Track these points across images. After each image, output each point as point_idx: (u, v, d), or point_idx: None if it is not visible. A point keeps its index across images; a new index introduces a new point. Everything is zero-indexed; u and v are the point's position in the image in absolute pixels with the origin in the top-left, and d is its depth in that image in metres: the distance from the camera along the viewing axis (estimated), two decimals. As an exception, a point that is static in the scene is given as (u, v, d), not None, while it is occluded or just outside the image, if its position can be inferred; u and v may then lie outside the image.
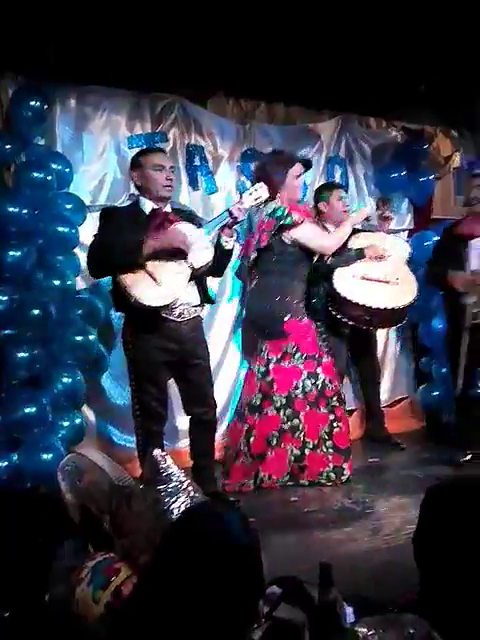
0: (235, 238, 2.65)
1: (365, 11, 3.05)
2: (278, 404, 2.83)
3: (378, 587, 1.77)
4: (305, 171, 2.98)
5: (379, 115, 3.93)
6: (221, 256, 2.57)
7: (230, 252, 2.63)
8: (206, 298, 2.60)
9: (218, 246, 2.55)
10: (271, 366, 2.87)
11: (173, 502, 1.35)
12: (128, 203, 2.72)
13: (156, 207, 2.47)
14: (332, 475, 2.86)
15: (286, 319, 2.86)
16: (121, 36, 2.86)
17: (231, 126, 3.42)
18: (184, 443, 2.98)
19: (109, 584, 1.29)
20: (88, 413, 3.05)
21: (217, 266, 2.58)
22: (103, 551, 1.45)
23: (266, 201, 2.69)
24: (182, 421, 2.95)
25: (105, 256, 2.33)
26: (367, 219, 3.24)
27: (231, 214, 2.49)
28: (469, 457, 3.11)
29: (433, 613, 1.18)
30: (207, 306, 2.74)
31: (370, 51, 3.33)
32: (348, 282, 3.06)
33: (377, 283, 3.08)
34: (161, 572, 0.80)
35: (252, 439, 2.84)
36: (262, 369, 2.89)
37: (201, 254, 2.43)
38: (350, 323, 3.10)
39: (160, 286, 2.32)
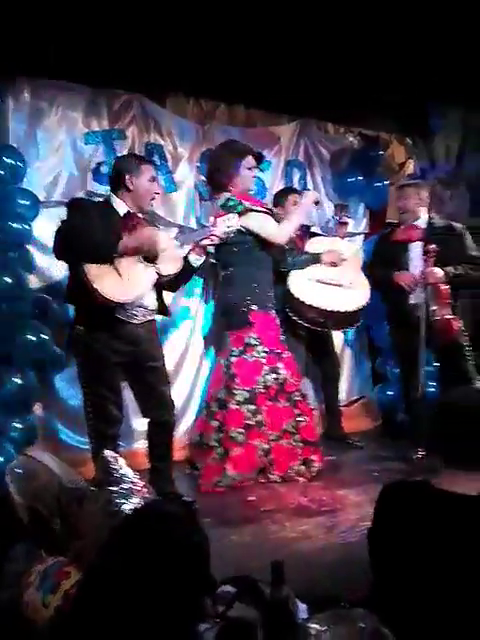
0: (203, 259, 2.67)
1: (324, 18, 3.11)
2: (240, 398, 2.84)
3: (333, 583, 1.79)
4: (258, 164, 3.01)
5: (337, 121, 4.00)
6: (185, 272, 2.59)
7: (194, 271, 2.67)
8: (161, 310, 2.58)
9: (185, 261, 2.57)
10: (233, 359, 2.88)
11: (126, 504, 1.33)
12: (99, 200, 2.68)
13: (130, 210, 2.46)
14: (302, 468, 2.89)
15: (254, 309, 2.89)
16: (77, 30, 2.81)
17: (191, 126, 3.41)
18: (140, 444, 2.94)
19: (59, 588, 1.25)
20: (41, 414, 2.97)
21: (176, 281, 2.60)
22: (53, 554, 1.41)
23: (221, 196, 2.73)
24: (138, 422, 2.92)
25: (79, 244, 2.26)
26: (316, 202, 3.28)
27: (209, 235, 2.54)
28: (422, 454, 3.20)
29: (384, 608, 1.20)
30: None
31: (328, 57, 3.39)
32: (303, 285, 3.16)
33: (331, 286, 3.19)
34: (105, 570, 0.78)
35: (222, 435, 2.84)
36: (226, 362, 2.91)
37: (169, 264, 2.45)
38: (305, 325, 3.17)
39: (125, 283, 2.30)
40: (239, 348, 2.88)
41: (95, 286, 2.23)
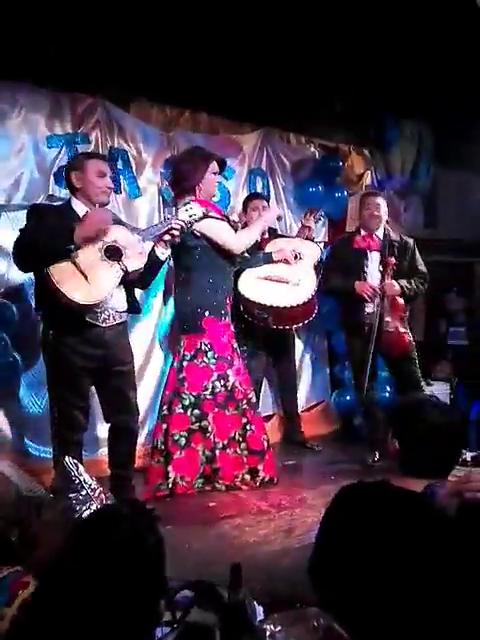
0: (169, 251, 2.67)
1: (287, 30, 3.19)
2: (186, 402, 2.84)
3: (290, 585, 1.83)
4: (221, 170, 3.03)
5: (298, 131, 4.09)
6: (152, 266, 2.58)
7: (162, 263, 2.66)
8: (133, 307, 2.58)
9: (151, 256, 2.56)
10: (184, 363, 2.88)
11: (85, 510, 1.33)
12: (59, 203, 2.64)
13: (89, 211, 2.43)
14: (247, 477, 2.91)
15: (206, 315, 2.88)
16: (41, 32, 2.79)
17: (155, 132, 3.42)
18: (104, 452, 2.91)
19: (16, 599, 1.24)
20: (2, 423, 2.92)
21: (146, 276, 2.59)
22: (9, 565, 1.39)
23: (184, 201, 2.74)
24: (102, 429, 2.89)
25: (34, 249, 2.25)
26: (278, 218, 3.35)
27: (172, 227, 2.53)
28: (377, 458, 3.30)
29: (335, 607, 1.25)
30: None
31: (291, 68, 3.48)
32: (249, 282, 3.22)
33: (276, 283, 3.24)
34: (60, 573, 0.80)
35: (167, 438, 2.84)
36: (178, 366, 2.91)
37: (135, 259, 2.43)
38: (254, 322, 3.23)
39: (90, 284, 2.28)
40: (191, 353, 2.88)
41: (59, 289, 2.22)
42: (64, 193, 3.05)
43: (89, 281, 2.27)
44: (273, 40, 3.26)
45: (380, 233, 3.36)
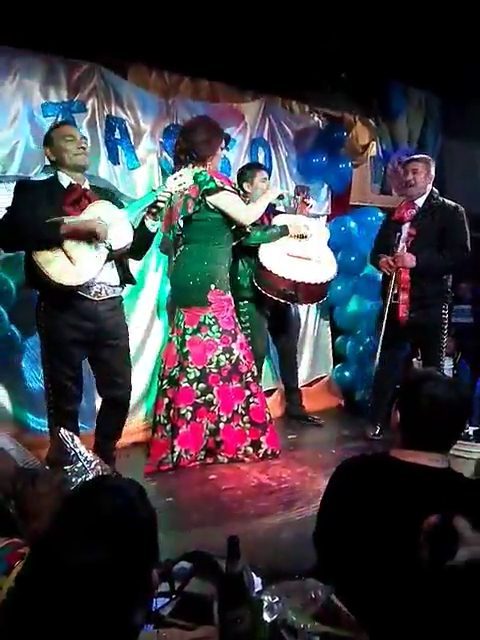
0: (159, 221, 2.63)
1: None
2: (191, 376, 2.84)
3: (289, 557, 1.84)
4: (226, 145, 3.03)
5: (301, 100, 3.98)
6: (144, 238, 2.56)
7: (153, 235, 2.62)
8: (127, 278, 2.56)
9: (142, 228, 2.54)
10: (187, 337, 2.87)
11: (80, 482, 1.32)
12: (45, 177, 2.61)
13: (74, 182, 2.41)
14: (250, 449, 2.92)
15: (211, 288, 2.87)
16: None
17: (153, 100, 3.32)
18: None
19: (12, 570, 1.24)
20: (1, 396, 2.92)
21: (138, 248, 2.57)
22: (8, 537, 1.38)
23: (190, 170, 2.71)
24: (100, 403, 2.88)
25: (20, 234, 2.26)
26: (280, 197, 3.29)
27: (158, 199, 2.49)
28: (379, 431, 3.30)
29: (337, 576, 1.24)
30: (128, 286, 2.69)
31: (295, 34, 3.36)
32: (274, 257, 3.16)
33: (300, 259, 3.20)
34: (51, 543, 0.78)
35: (171, 412, 2.84)
36: (179, 340, 2.89)
37: (121, 236, 2.40)
38: (275, 298, 3.17)
39: (75, 265, 2.28)
40: (193, 326, 2.87)
41: (45, 271, 2.24)
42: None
43: (74, 262, 2.28)
44: (277, 4, 3.13)
45: (421, 201, 3.18)
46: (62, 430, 1.45)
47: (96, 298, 2.39)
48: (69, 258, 2.26)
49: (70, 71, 3.02)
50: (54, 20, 2.78)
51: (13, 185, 2.85)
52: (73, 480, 1.33)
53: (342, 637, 1.02)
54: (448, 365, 4.08)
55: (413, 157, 3.32)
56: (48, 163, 2.88)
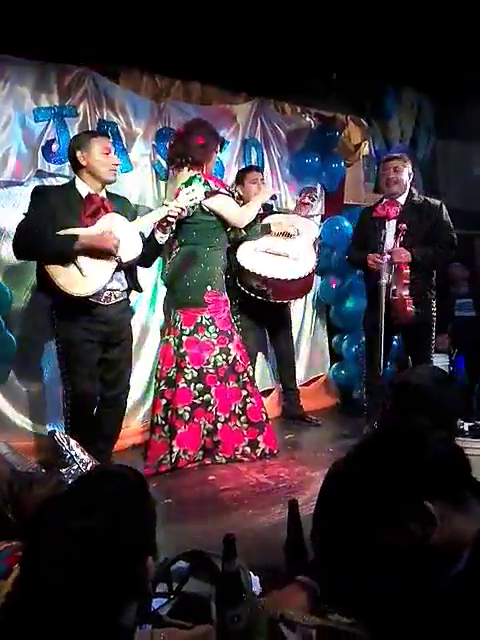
0: (169, 234, 2.68)
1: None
2: (189, 377, 2.85)
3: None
4: (220, 150, 3.07)
5: (294, 101, 3.99)
6: (153, 249, 2.63)
7: (162, 246, 2.68)
8: (135, 286, 2.62)
9: (151, 240, 2.60)
10: (184, 338, 2.89)
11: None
12: (63, 183, 2.65)
13: (92, 191, 2.45)
14: (247, 449, 2.93)
15: (208, 290, 2.90)
16: (26, 0, 2.69)
17: (145, 103, 3.33)
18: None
19: (10, 573, 1.24)
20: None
21: (148, 258, 2.65)
22: (5, 540, 1.39)
23: (184, 174, 2.76)
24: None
25: (35, 246, 2.31)
26: (273, 197, 3.32)
27: (169, 214, 2.53)
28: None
29: (326, 576, 1.25)
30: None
31: (286, 35, 3.37)
32: (250, 254, 3.18)
33: (277, 257, 3.20)
34: (53, 507, 0.80)
35: (169, 412, 2.85)
36: (176, 341, 2.91)
37: (130, 249, 2.46)
38: (251, 295, 3.18)
39: (85, 277, 2.34)
40: (190, 327, 2.89)
41: (56, 282, 2.30)
42: (54, 168, 3.00)
43: (84, 274, 2.33)
44: (267, 5, 3.14)
45: (403, 199, 3.20)
46: (57, 433, 1.46)
47: (106, 302, 2.45)
48: (80, 269, 2.33)
49: (61, 76, 3.03)
50: (44, 26, 2.79)
51: (6, 190, 2.91)
52: (70, 482, 1.34)
53: (339, 630, 1.03)
54: (444, 362, 4.10)
55: (393, 155, 3.34)
56: (41, 166, 2.94)
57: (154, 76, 3.38)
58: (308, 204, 3.43)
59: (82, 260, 2.34)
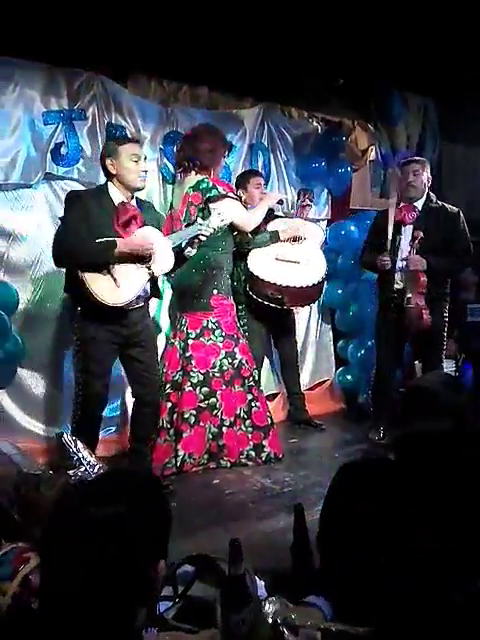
0: (197, 250, 2.73)
1: (289, 3, 3.09)
2: (194, 380, 2.86)
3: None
4: (228, 154, 3.11)
5: (300, 106, 3.99)
6: (179, 261, 2.68)
7: (187, 259, 2.74)
8: (155, 292, 2.65)
9: (180, 253, 2.65)
10: (190, 342, 2.89)
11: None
12: (95, 187, 2.66)
13: (124, 200, 2.47)
14: (252, 453, 2.93)
15: (214, 293, 2.92)
16: (36, 5, 2.71)
17: (153, 108, 3.34)
18: (109, 431, 2.97)
19: (17, 574, 1.25)
20: (6, 403, 2.93)
21: (172, 269, 2.68)
22: (12, 542, 1.39)
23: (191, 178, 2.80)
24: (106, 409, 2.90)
25: (76, 254, 2.33)
26: (280, 202, 3.33)
27: (202, 233, 2.59)
28: (382, 435, 3.29)
29: (331, 583, 1.24)
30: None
31: (294, 41, 3.38)
32: (261, 262, 3.19)
33: (288, 263, 3.22)
34: (74, 496, 0.80)
35: (175, 416, 2.85)
36: (182, 344, 2.91)
37: (163, 263, 2.51)
38: (264, 303, 3.19)
39: (119, 287, 2.37)
40: (196, 331, 2.90)
41: (91, 289, 2.32)
42: (62, 171, 3.02)
43: (118, 285, 2.36)
44: (274, 11, 3.15)
45: (420, 203, 3.20)
46: (65, 435, 1.47)
47: (128, 307, 2.47)
48: (114, 280, 2.35)
49: (70, 80, 3.04)
50: (54, 30, 2.81)
51: (14, 193, 2.93)
52: (76, 485, 1.34)
53: (343, 633, 1.02)
54: (450, 367, 4.08)
55: (413, 159, 3.34)
56: (49, 169, 2.96)
57: (162, 81, 3.39)
58: (308, 205, 3.44)
59: (117, 270, 2.36)
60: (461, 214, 3.18)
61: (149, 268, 2.44)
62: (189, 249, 2.67)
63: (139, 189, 2.52)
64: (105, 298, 2.33)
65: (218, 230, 2.70)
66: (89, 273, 2.32)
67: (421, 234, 3.07)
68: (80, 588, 0.74)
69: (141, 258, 2.40)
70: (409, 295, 3.07)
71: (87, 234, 2.32)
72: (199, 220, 2.70)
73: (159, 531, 0.85)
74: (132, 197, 2.52)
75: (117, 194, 2.46)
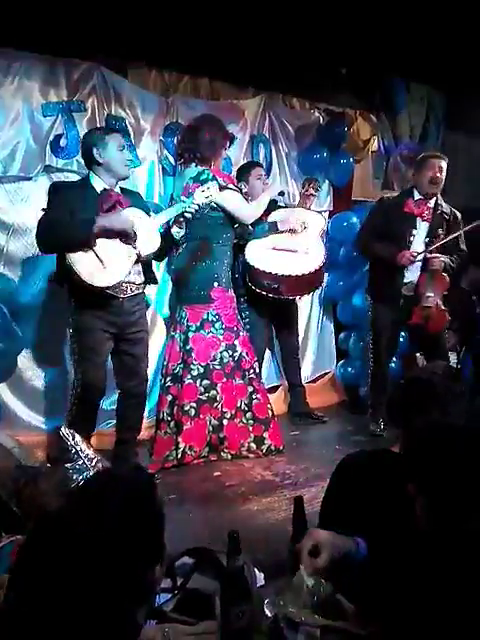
0: (184, 229, 2.71)
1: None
2: (195, 373, 2.86)
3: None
4: (230, 146, 3.07)
5: (302, 96, 3.96)
6: (168, 244, 2.68)
7: (178, 241, 2.74)
8: (150, 278, 2.64)
9: (167, 235, 2.64)
10: (190, 334, 2.89)
11: (81, 480, 1.32)
12: (78, 179, 2.68)
13: (107, 187, 2.48)
14: (253, 445, 2.93)
15: (215, 286, 2.90)
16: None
17: (153, 98, 3.31)
18: (104, 425, 2.95)
19: (15, 566, 1.24)
20: (5, 395, 2.94)
21: (163, 251, 2.68)
22: (11, 534, 1.40)
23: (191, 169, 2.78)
24: (104, 402, 2.90)
25: (55, 235, 2.35)
26: (281, 193, 3.30)
27: (186, 211, 2.56)
28: (383, 427, 3.29)
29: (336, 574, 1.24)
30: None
31: (295, 30, 3.34)
32: (258, 252, 3.17)
33: (286, 253, 3.19)
34: (58, 515, 0.79)
35: (175, 409, 2.85)
36: (182, 337, 2.90)
37: (149, 242, 2.49)
38: (263, 293, 3.17)
39: (105, 268, 2.37)
40: (196, 323, 2.89)
41: (76, 270, 2.32)
42: (62, 163, 3.01)
43: (105, 265, 2.36)
44: (276, 0, 3.12)
45: (433, 202, 3.15)
46: (62, 428, 1.47)
47: (122, 295, 2.48)
48: (100, 261, 2.35)
49: (69, 71, 3.02)
50: (53, 21, 2.78)
51: (14, 185, 2.91)
52: (74, 477, 1.34)
53: (342, 630, 1.02)
54: (452, 360, 4.07)
55: (436, 154, 3.25)
56: (48, 161, 2.95)
57: (162, 71, 3.36)
58: (313, 195, 3.40)
59: (102, 250, 2.36)
60: (461, 219, 3.23)
61: (135, 248, 2.43)
62: (177, 229, 2.65)
63: (126, 177, 2.56)
64: (93, 280, 2.34)
65: (204, 206, 2.65)
66: (74, 254, 2.32)
67: (442, 234, 3.06)
68: (66, 599, 0.73)
69: (124, 234, 2.40)
70: (430, 295, 3.03)
71: (70, 220, 2.34)
72: (182, 198, 2.67)
73: (152, 538, 0.84)
74: (116, 185, 2.53)
75: (100, 183, 2.48)
